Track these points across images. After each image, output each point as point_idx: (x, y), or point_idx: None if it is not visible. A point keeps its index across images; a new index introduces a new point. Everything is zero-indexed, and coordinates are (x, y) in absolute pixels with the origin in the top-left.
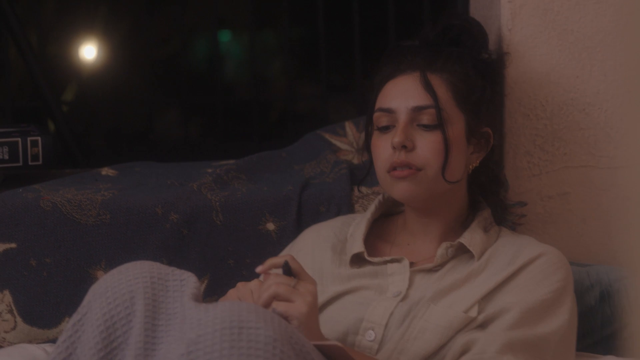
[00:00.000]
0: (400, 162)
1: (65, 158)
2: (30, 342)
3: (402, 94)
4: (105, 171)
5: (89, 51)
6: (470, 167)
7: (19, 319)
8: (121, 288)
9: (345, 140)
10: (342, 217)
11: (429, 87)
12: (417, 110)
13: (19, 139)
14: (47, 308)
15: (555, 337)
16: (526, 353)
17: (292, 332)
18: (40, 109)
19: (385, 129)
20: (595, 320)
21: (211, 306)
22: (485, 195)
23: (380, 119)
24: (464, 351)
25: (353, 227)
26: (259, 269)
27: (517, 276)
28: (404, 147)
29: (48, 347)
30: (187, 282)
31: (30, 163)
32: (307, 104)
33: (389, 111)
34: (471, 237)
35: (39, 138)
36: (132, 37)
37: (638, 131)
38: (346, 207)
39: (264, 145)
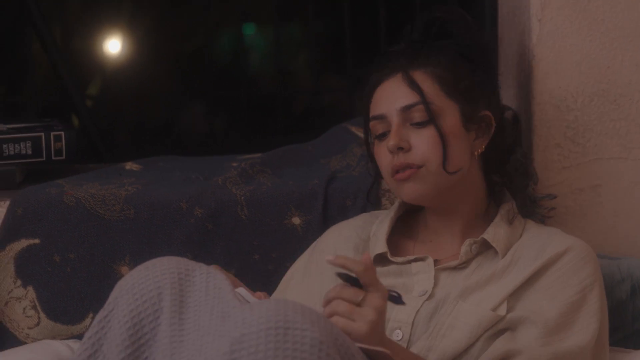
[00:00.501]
0: (400, 164)
1: (89, 153)
2: (54, 338)
3: (389, 98)
4: (129, 166)
5: (113, 45)
6: (476, 153)
7: (42, 315)
8: (148, 284)
9: None
10: (364, 215)
11: (413, 85)
12: (406, 109)
13: (42, 134)
14: (70, 304)
15: (591, 343)
16: None
17: (337, 333)
18: (64, 104)
19: (383, 136)
20: (627, 314)
21: (256, 304)
22: (513, 188)
23: (375, 127)
24: (504, 359)
25: (376, 226)
26: (329, 259)
27: (544, 273)
28: (400, 149)
29: (72, 343)
30: (213, 275)
31: (53, 158)
32: (332, 97)
33: (380, 117)
34: (495, 233)
35: (62, 133)
36: (156, 31)
37: None
38: (374, 197)
39: (288, 138)
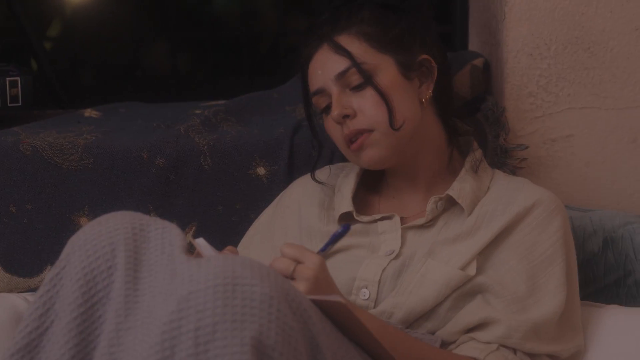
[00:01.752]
0: (350, 132)
1: (48, 98)
2: (11, 291)
3: (322, 69)
4: (89, 113)
5: None
6: (424, 100)
7: None
8: (101, 240)
9: None
10: (329, 168)
11: (340, 49)
12: (341, 76)
13: None
14: (28, 256)
15: (563, 303)
16: (548, 331)
17: (289, 288)
18: (22, 46)
19: (328, 109)
20: (598, 268)
21: (204, 261)
22: (484, 138)
23: (318, 102)
24: (481, 325)
25: (341, 180)
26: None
27: (513, 230)
28: (346, 116)
29: (29, 296)
30: (168, 231)
31: (9, 104)
32: (298, 35)
33: (320, 92)
34: (460, 188)
35: (18, 78)
36: None
37: None
38: (339, 150)
39: (253, 80)
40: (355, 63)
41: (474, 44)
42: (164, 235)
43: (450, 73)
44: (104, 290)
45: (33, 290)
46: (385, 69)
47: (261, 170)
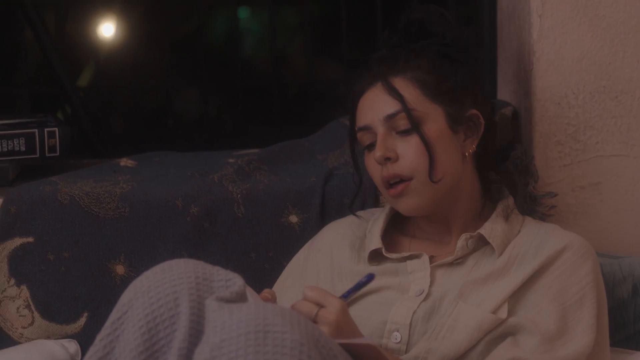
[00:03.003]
0: (390, 175)
1: (82, 146)
2: (48, 337)
3: (372, 108)
4: (124, 162)
5: (107, 30)
6: (467, 154)
7: (36, 314)
8: (165, 288)
9: None
10: (360, 213)
11: (393, 92)
12: (389, 118)
13: (36, 130)
14: (65, 303)
15: (590, 344)
16: None
17: (319, 335)
18: (57, 94)
19: (372, 147)
20: (628, 314)
21: (236, 308)
22: (513, 186)
23: (363, 139)
24: None
25: (371, 223)
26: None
27: (544, 273)
28: (387, 159)
29: (66, 342)
30: (232, 283)
31: (47, 155)
32: (328, 81)
33: (366, 128)
34: (491, 228)
35: (56, 129)
36: (149, 15)
37: None
38: (371, 198)
39: (283, 125)
40: (406, 108)
41: (502, 93)
42: (227, 286)
43: (496, 131)
44: (165, 338)
45: (70, 337)
46: (434, 118)
47: (293, 218)
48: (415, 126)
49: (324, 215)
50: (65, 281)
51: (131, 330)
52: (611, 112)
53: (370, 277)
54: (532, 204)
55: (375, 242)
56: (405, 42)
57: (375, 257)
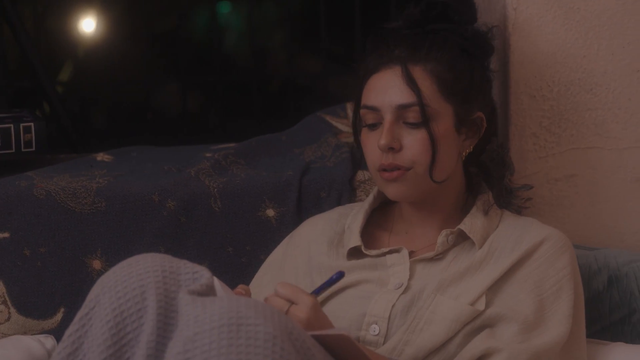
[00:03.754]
0: (389, 165)
1: (61, 141)
2: (24, 333)
3: (385, 91)
4: (101, 157)
5: (87, 25)
6: (464, 153)
7: (13, 310)
8: (132, 282)
9: (346, 122)
10: (339, 208)
11: (412, 83)
12: (402, 108)
13: (12, 125)
14: (41, 298)
15: (566, 335)
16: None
17: (292, 327)
18: (35, 90)
19: (373, 126)
20: (604, 306)
21: (209, 301)
22: (489, 179)
23: (366, 116)
24: (484, 356)
25: (350, 219)
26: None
27: (522, 265)
28: (391, 148)
29: (43, 338)
30: (199, 276)
31: (23, 150)
32: (308, 76)
33: (373, 109)
34: (471, 223)
35: (32, 124)
36: (131, 10)
37: None
38: (347, 192)
39: (264, 120)
40: (421, 103)
41: None
42: (194, 279)
43: (494, 134)
44: (133, 332)
45: (46, 332)
46: (444, 117)
47: (270, 212)
48: (425, 122)
49: (301, 209)
50: (41, 276)
51: (99, 325)
52: (586, 104)
53: (340, 275)
54: (508, 197)
55: (354, 239)
56: (426, 21)
57: (355, 253)
